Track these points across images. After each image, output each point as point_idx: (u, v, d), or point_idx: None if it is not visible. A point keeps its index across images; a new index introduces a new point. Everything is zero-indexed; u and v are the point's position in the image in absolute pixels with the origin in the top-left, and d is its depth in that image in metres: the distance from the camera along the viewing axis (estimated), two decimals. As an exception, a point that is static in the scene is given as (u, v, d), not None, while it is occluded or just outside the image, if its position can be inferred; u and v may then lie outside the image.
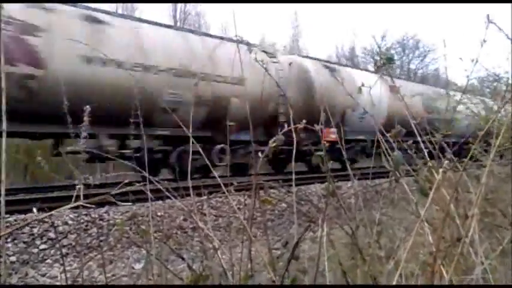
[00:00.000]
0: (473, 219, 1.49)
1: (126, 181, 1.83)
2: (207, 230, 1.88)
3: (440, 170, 1.59)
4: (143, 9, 38.27)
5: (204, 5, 37.58)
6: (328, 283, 1.71)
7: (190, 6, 29.46)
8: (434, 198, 1.56)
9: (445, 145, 1.99)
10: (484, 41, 1.77)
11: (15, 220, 6.23)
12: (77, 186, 1.59)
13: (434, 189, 1.54)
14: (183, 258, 2.01)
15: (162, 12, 32.60)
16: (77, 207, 1.46)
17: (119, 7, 28.22)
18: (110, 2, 28.53)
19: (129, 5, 28.82)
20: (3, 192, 1.39)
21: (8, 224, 5.96)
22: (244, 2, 28.59)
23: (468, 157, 1.72)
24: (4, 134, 1.52)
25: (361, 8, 55.54)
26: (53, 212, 1.45)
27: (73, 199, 1.51)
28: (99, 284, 4.35)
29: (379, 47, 36.16)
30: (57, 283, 5.09)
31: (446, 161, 1.71)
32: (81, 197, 1.52)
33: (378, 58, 2.00)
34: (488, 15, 1.69)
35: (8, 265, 5.36)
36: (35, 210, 2.17)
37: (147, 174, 1.92)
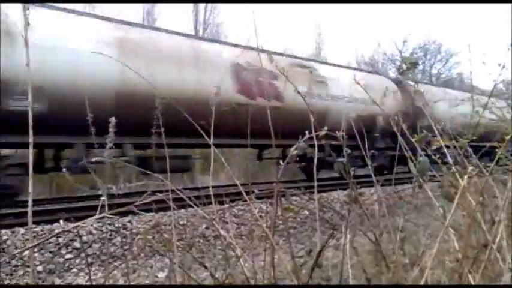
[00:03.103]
0: (500, 225, 1.46)
1: (150, 191, 1.85)
2: (229, 238, 1.88)
3: (466, 176, 1.56)
4: (164, 16, 38.79)
5: (223, 15, 37.75)
6: (352, 291, 1.69)
7: (210, 15, 29.71)
8: (459, 204, 1.53)
9: (470, 150, 1.96)
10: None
11: (42, 230, 6.34)
12: (101, 198, 1.61)
13: (459, 194, 1.52)
14: (205, 267, 2.01)
15: (183, 23, 33.00)
16: (101, 218, 1.48)
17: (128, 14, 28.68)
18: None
19: (150, 16, 29.20)
20: (30, 203, 1.42)
21: (34, 234, 6.06)
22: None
23: (494, 162, 1.69)
24: (31, 146, 1.54)
25: (382, 12, 55.30)
26: (79, 224, 1.47)
27: (98, 211, 1.53)
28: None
29: (400, 52, 35.81)
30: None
31: (471, 167, 1.68)
32: (106, 208, 1.53)
33: (401, 63, 1.99)
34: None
35: (35, 274, 5.45)
36: (61, 221, 2.20)
37: (170, 184, 1.93)
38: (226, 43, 12.51)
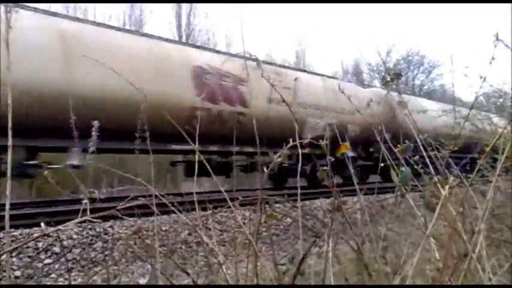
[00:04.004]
0: (480, 235, 1.48)
1: (132, 195, 1.84)
2: (212, 245, 1.88)
3: (447, 186, 1.58)
4: (149, 20, 38.55)
5: (209, 20, 37.68)
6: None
7: (195, 21, 29.63)
8: (440, 214, 1.55)
9: (451, 161, 1.98)
10: (493, 58, 1.77)
11: (21, 234, 6.23)
12: (83, 201, 1.59)
13: (440, 204, 1.54)
14: (188, 273, 2.00)
15: (168, 29, 32.76)
16: (83, 222, 1.46)
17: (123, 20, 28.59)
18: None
19: (137, 21, 29.08)
20: (8, 207, 1.40)
21: (13, 239, 5.96)
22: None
23: (474, 172, 1.71)
24: (10, 150, 1.52)
25: (367, 22, 55.88)
26: (60, 227, 1.46)
27: (80, 214, 1.51)
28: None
29: (384, 63, 36.23)
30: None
31: (453, 177, 1.71)
32: (88, 212, 1.52)
33: (385, 74, 2.02)
34: (497, 34, 1.70)
35: (13, 280, 5.35)
36: (43, 225, 2.16)
37: (153, 189, 1.92)
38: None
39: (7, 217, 1.44)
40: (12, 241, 5.80)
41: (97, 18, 23.86)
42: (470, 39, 51.40)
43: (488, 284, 1.45)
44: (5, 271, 5.29)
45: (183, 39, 26.47)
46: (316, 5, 56.98)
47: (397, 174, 1.81)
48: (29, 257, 5.87)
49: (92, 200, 1.77)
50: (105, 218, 6.77)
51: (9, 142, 1.54)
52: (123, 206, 1.65)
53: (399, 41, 61.47)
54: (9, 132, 1.52)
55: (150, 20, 39.73)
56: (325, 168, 1.87)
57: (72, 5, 25.94)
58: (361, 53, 51.42)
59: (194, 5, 29.25)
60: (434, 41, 57.79)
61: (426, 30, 62.20)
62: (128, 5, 28.69)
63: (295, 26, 47.42)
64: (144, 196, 2.03)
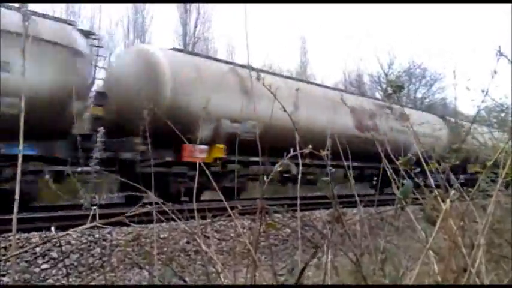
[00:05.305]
0: (479, 250, 1.47)
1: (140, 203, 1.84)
2: (210, 253, 1.87)
3: (448, 200, 1.58)
4: (152, 31, 38.64)
5: (212, 30, 37.81)
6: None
7: (199, 31, 29.74)
8: (441, 227, 1.55)
9: (452, 175, 1.98)
10: (495, 72, 1.77)
11: (19, 238, 6.21)
12: (92, 207, 1.60)
13: (441, 218, 1.53)
14: (185, 281, 1.99)
15: (172, 37, 32.83)
16: (90, 227, 1.47)
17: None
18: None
19: (139, 29, 29.20)
20: (15, 210, 1.40)
21: (10, 243, 5.93)
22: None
23: (475, 187, 1.71)
24: (20, 155, 1.53)
25: (369, 31, 55.89)
26: (69, 232, 1.46)
27: (89, 219, 1.52)
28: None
29: (386, 75, 36.26)
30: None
31: (453, 191, 1.70)
32: (97, 218, 1.52)
33: (387, 86, 2.03)
34: (500, 47, 1.70)
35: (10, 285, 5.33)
36: (53, 229, 2.15)
37: (153, 196, 1.92)
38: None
39: (14, 220, 1.44)
40: (10, 245, 5.78)
41: (103, 24, 23.93)
42: (473, 39, 51.22)
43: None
44: (3, 275, 5.27)
45: (189, 48, 26.57)
46: (319, 8, 57.12)
47: (398, 187, 1.81)
48: (26, 261, 5.85)
49: (93, 206, 1.77)
50: (108, 224, 6.73)
51: (20, 147, 1.55)
52: (132, 213, 1.65)
53: (401, 46, 61.38)
54: (21, 138, 1.53)
55: (152, 27, 39.83)
56: (325, 178, 1.87)
57: (76, 9, 26.07)
58: (362, 63, 51.58)
59: (201, 14, 29.38)
60: (438, 43, 57.40)
61: (429, 32, 62.04)
62: (132, 11, 28.81)
63: (298, 31, 47.34)
64: (144, 203, 2.03)
